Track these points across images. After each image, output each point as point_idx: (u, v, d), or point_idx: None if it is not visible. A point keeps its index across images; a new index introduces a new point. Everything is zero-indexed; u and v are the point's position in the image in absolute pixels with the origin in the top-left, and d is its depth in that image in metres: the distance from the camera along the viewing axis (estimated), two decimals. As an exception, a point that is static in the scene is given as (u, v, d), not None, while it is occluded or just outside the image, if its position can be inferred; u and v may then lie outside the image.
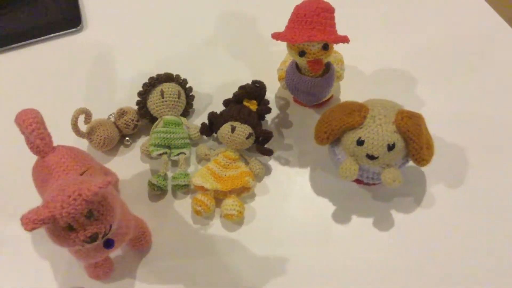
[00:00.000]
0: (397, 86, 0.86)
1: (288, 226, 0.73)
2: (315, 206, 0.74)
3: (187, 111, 0.83)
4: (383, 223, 0.72)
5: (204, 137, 0.81)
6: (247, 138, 0.75)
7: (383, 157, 0.66)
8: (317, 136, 0.70)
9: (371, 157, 0.66)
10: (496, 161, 0.76)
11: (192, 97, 0.84)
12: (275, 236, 0.72)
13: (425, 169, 0.75)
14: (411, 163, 0.68)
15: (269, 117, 0.83)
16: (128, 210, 0.65)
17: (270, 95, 0.85)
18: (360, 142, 0.66)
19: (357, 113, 0.66)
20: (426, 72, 0.87)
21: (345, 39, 0.66)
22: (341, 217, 0.73)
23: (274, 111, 0.84)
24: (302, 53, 0.68)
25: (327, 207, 0.74)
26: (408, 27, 0.93)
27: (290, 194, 0.76)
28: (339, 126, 0.67)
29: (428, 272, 0.68)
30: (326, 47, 0.67)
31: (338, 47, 0.74)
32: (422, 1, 0.97)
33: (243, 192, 0.75)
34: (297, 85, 0.76)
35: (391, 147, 0.65)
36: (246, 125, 0.76)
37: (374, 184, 0.74)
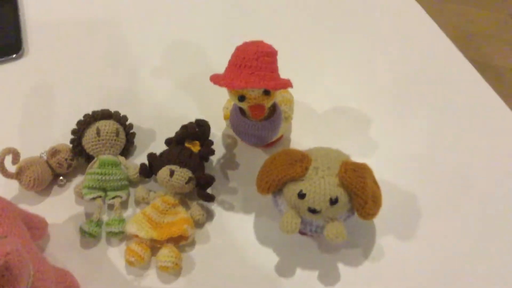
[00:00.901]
0: (350, 125, 0.82)
1: (229, 277, 0.68)
2: (259, 257, 0.70)
3: (127, 149, 0.78)
4: (329, 276, 0.68)
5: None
6: (186, 182, 0.71)
7: (326, 211, 0.62)
8: (258, 185, 0.66)
9: (313, 211, 0.62)
10: (449, 209, 0.73)
11: (133, 134, 0.79)
12: (214, 288, 0.68)
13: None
14: (358, 214, 0.64)
15: (214, 157, 0.79)
16: (48, 266, 0.60)
17: (217, 133, 0.81)
18: (301, 195, 0.61)
19: (299, 164, 0.62)
20: (380, 111, 0.83)
21: (286, 85, 0.62)
22: (285, 269, 0.69)
23: (220, 151, 0.80)
24: (241, 98, 0.64)
25: (271, 257, 0.70)
26: (364, 63, 0.90)
27: (232, 242, 0.71)
28: (280, 177, 0.63)
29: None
30: (267, 92, 0.63)
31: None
32: (381, 38, 0.93)
33: (181, 240, 0.70)
34: (241, 128, 0.71)
35: (333, 202, 0.61)
36: (186, 169, 0.71)
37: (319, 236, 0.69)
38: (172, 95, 0.87)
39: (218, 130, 0.81)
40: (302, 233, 0.68)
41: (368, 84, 0.87)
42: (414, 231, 0.71)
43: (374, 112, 0.83)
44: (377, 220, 0.71)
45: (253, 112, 0.65)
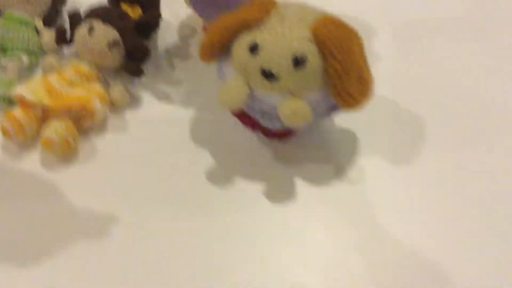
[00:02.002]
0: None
1: (135, 178, 0.49)
2: (182, 159, 0.50)
3: (53, 17, 0.59)
4: (284, 192, 0.47)
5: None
6: (110, 46, 0.51)
7: (286, 77, 0.42)
8: (201, 46, 0.46)
9: (268, 75, 0.42)
10: (449, 139, 0.52)
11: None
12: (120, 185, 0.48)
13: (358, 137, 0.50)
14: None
15: (163, 43, 0.60)
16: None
17: (173, 22, 0.61)
18: (253, 48, 0.42)
19: (257, 6, 0.43)
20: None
21: None
22: (217, 176, 0.49)
23: (175, 39, 0.61)
24: None
25: (201, 159, 0.50)
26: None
27: (155, 137, 0.51)
28: (230, 25, 0.44)
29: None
30: None
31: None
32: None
33: (86, 120, 0.50)
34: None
35: (298, 62, 0.41)
36: (110, 28, 0.52)
37: (279, 135, 0.49)
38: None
39: (174, 19, 0.62)
40: (247, 121, 0.47)
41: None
42: (404, 157, 0.50)
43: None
44: (363, 133, 0.51)
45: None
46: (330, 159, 0.50)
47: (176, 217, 0.46)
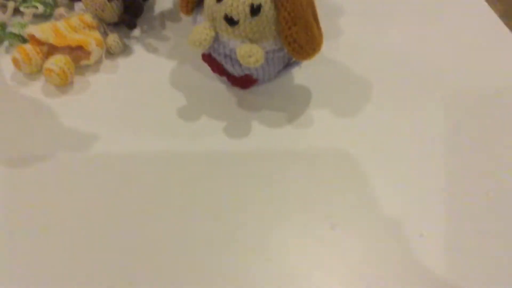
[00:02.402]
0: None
1: (122, 117, 0.57)
2: (160, 105, 0.58)
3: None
4: (243, 134, 0.55)
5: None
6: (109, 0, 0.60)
7: (245, 23, 0.50)
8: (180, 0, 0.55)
9: (230, 21, 0.50)
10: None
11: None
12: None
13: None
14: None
15: (160, 7, 0.69)
16: None
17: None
18: (219, -4, 0.50)
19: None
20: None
21: None
22: (197, 120, 0.57)
23: (169, 4, 0.70)
24: None
25: (177, 105, 0.58)
26: None
27: (142, 83, 0.60)
28: (202, -21, 0.52)
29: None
30: None
31: None
32: None
33: (82, 59, 0.59)
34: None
35: (255, 10, 0.49)
36: (112, -18, 0.61)
37: (242, 83, 0.57)
38: None
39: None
40: (215, 66, 0.56)
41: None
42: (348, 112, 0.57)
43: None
44: (315, 89, 0.59)
45: None
46: (284, 107, 0.57)
47: (147, 140, 0.54)
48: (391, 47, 0.65)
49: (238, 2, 0.49)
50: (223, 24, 0.51)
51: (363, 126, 0.56)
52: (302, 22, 0.50)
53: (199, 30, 0.52)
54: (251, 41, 0.51)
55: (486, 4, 0.72)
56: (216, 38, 0.52)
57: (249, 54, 0.50)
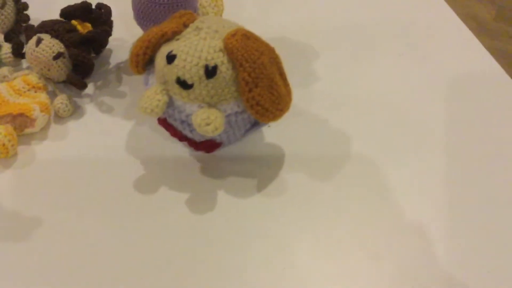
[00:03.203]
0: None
1: (77, 181, 0.51)
2: (118, 173, 0.52)
3: (17, 29, 0.63)
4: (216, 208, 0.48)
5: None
6: (55, 58, 0.55)
7: (200, 86, 0.44)
8: (130, 58, 0.49)
9: (183, 84, 0.44)
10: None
11: (25, 16, 0.64)
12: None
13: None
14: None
15: (115, 59, 0.63)
16: None
17: (127, 39, 0.65)
18: (170, 58, 0.44)
19: (176, 19, 0.46)
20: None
21: None
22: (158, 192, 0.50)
23: (126, 55, 0.63)
24: None
25: (138, 173, 0.52)
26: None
27: (95, 148, 0.54)
28: (151, 37, 0.47)
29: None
30: None
31: None
32: None
33: (27, 126, 0.53)
34: (140, 4, 0.56)
35: (210, 72, 0.44)
36: (57, 41, 0.55)
37: (204, 147, 0.51)
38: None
39: (130, 37, 0.66)
40: (173, 132, 0.49)
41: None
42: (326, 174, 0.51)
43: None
44: (288, 147, 0.53)
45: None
46: (254, 172, 0.51)
47: (105, 222, 0.47)
48: (368, 92, 0.59)
49: (191, 64, 0.44)
50: (177, 88, 0.45)
51: (346, 186, 0.50)
52: (264, 83, 0.45)
53: (150, 95, 0.46)
54: (210, 104, 0.45)
55: (474, 37, 0.66)
56: (171, 103, 0.47)
57: (206, 122, 0.44)
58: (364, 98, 0.59)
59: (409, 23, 0.69)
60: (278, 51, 0.47)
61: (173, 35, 0.46)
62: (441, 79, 0.61)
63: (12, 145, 0.51)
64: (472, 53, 0.65)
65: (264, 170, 0.51)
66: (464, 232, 0.47)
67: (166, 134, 0.51)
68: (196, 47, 0.44)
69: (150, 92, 0.46)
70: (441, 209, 0.48)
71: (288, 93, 0.48)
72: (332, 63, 0.63)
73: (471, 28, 0.68)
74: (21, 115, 0.53)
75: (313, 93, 0.59)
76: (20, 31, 0.65)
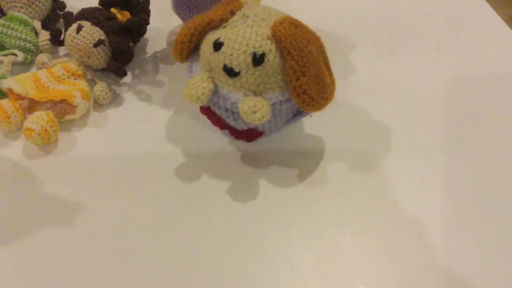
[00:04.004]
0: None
1: (110, 175, 0.51)
2: (154, 164, 0.52)
3: (54, 16, 0.64)
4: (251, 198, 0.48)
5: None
6: (95, 45, 0.55)
7: (247, 74, 0.44)
8: (173, 45, 0.49)
9: (229, 72, 0.44)
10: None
11: (62, 3, 0.65)
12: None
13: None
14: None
15: (150, 49, 0.63)
16: None
17: (163, 29, 0.65)
18: (217, 45, 0.44)
19: (223, 6, 0.45)
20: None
21: None
22: (196, 183, 0.50)
23: (163, 45, 0.64)
24: None
25: (173, 165, 0.52)
26: None
27: (133, 135, 0.54)
28: (197, 25, 0.46)
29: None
30: None
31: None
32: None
33: (67, 113, 0.53)
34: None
35: (258, 60, 0.43)
36: (98, 28, 0.55)
37: (245, 136, 0.51)
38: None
39: (166, 26, 0.65)
40: (215, 120, 0.49)
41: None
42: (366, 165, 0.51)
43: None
44: (330, 139, 0.53)
45: None
46: (295, 162, 0.51)
47: (144, 210, 0.48)
48: (407, 84, 0.59)
49: (239, 52, 0.43)
50: (222, 76, 0.45)
51: (384, 178, 0.49)
52: (312, 72, 0.44)
53: (195, 83, 0.46)
54: (255, 93, 0.45)
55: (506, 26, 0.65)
56: (216, 91, 0.46)
57: (253, 109, 0.44)
58: (401, 91, 0.58)
59: (446, 17, 0.69)
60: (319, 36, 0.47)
61: (220, 23, 0.45)
62: (478, 74, 0.60)
63: (54, 131, 0.51)
64: (510, 49, 0.64)
65: (303, 161, 0.51)
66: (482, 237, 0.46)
67: (206, 123, 0.51)
68: (243, 34, 0.44)
69: (196, 80, 0.46)
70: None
71: (332, 82, 0.48)
72: (369, 55, 0.63)
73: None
74: (63, 101, 0.53)
75: (351, 84, 0.59)
76: (57, 19, 0.65)
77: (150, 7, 0.62)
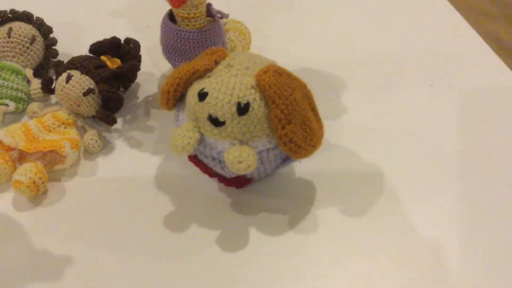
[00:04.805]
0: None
1: (100, 223, 0.50)
2: (153, 202, 0.51)
3: (44, 68, 0.64)
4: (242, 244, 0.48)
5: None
6: (85, 94, 0.55)
7: (232, 124, 0.43)
8: (160, 94, 0.49)
9: (215, 122, 0.44)
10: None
11: (54, 51, 0.65)
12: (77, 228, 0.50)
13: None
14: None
15: (144, 93, 0.63)
16: None
17: (155, 73, 0.65)
18: (202, 95, 0.44)
19: (207, 56, 0.45)
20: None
21: None
22: (184, 222, 0.50)
23: (154, 89, 0.64)
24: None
25: (165, 206, 0.51)
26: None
27: (124, 183, 0.53)
28: (182, 74, 0.46)
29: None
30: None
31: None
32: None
33: (57, 163, 0.53)
34: (168, 39, 0.56)
35: (242, 109, 0.43)
36: (87, 77, 0.55)
37: (235, 183, 0.50)
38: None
39: (158, 71, 0.66)
40: (203, 168, 0.49)
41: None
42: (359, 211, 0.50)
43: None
44: (320, 183, 0.52)
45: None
46: (285, 208, 0.50)
47: (135, 259, 0.47)
48: (400, 123, 0.58)
49: (223, 102, 0.43)
50: (208, 125, 0.44)
51: (376, 223, 0.49)
52: (297, 119, 0.44)
53: (181, 133, 0.45)
54: (241, 141, 0.45)
55: (505, 66, 0.65)
56: (202, 140, 0.46)
57: (239, 159, 0.43)
58: (395, 131, 0.58)
59: (438, 52, 0.68)
60: (305, 83, 0.47)
61: (205, 72, 0.45)
62: (474, 109, 0.60)
63: (43, 183, 0.51)
64: (504, 82, 0.64)
65: (294, 205, 0.50)
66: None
67: (196, 169, 0.50)
68: (228, 84, 0.44)
69: (181, 129, 0.46)
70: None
71: (320, 127, 0.47)
72: (360, 95, 0.62)
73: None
74: (52, 151, 0.52)
75: (342, 126, 0.58)
76: (49, 67, 0.66)
77: (142, 52, 0.62)
